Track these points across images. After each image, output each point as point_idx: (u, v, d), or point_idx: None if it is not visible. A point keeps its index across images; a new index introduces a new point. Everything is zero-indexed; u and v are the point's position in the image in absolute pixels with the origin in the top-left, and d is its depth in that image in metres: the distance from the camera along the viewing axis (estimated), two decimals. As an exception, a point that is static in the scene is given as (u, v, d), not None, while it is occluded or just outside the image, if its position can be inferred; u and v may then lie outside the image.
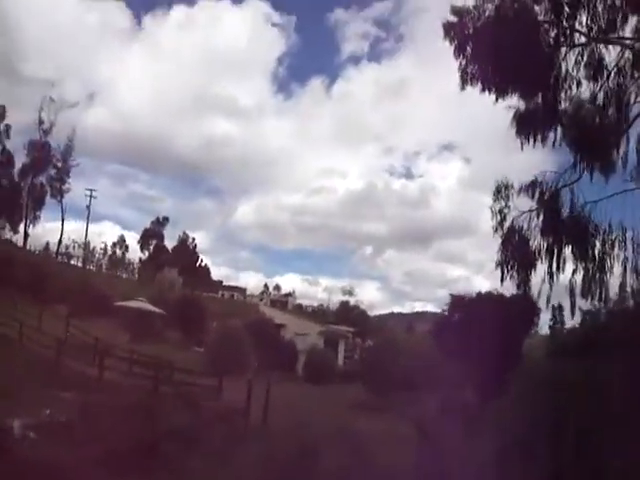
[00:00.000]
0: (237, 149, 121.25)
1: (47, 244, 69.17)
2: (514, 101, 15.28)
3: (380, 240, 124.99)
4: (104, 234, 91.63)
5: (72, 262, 63.37)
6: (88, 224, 72.11)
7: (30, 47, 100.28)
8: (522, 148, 15.46)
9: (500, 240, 15.92)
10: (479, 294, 19.29)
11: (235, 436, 12.20)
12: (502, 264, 15.82)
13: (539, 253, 15.27)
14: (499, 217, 15.94)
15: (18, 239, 66.71)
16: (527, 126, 15.43)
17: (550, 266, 15.02)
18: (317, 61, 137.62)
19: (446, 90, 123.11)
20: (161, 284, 45.19)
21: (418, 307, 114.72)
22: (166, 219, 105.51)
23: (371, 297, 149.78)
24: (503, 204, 15.90)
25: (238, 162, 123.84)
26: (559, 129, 15.34)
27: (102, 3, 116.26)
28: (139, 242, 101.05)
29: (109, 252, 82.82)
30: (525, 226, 15.69)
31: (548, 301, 15.65)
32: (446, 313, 20.89)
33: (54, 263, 52.51)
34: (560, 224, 14.95)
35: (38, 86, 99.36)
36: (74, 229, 78.44)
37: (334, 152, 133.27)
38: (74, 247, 66.16)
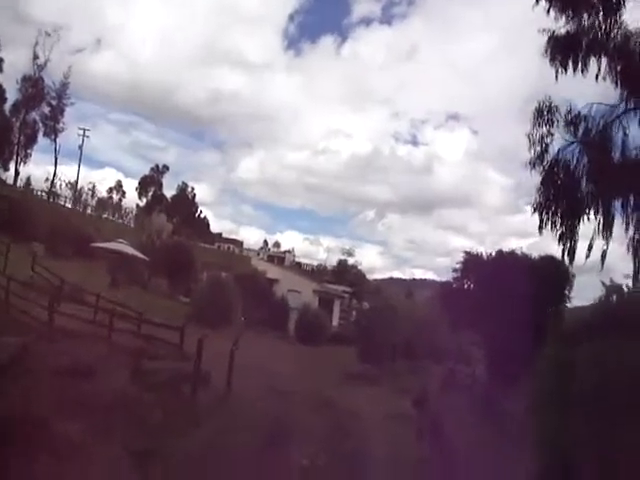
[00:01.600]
0: (244, 103, 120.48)
1: (28, 180, 65.61)
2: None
3: (383, 205, 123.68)
4: (105, 180, 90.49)
5: (60, 202, 60.45)
6: (80, 164, 69.85)
7: None
8: (557, 78, 12.51)
9: (540, 176, 13.12)
10: (500, 253, 16.49)
11: (171, 410, 9.46)
12: (541, 207, 12.90)
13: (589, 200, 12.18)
14: (539, 147, 13.01)
15: (8, 177, 63.85)
16: (565, 52, 12.39)
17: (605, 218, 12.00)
18: (328, 20, 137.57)
19: (456, 59, 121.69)
20: (148, 229, 42.52)
21: (418, 274, 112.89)
22: (166, 167, 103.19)
23: (371, 261, 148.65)
24: (545, 130, 12.88)
25: (244, 116, 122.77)
26: (604, 59, 12.36)
27: None
28: (137, 189, 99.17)
29: (104, 196, 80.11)
30: (573, 161, 12.64)
31: (603, 260, 12.42)
32: (457, 275, 18.12)
33: (37, 201, 49.64)
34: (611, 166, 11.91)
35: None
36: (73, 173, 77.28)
37: (341, 113, 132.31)
38: (60, 186, 63.36)
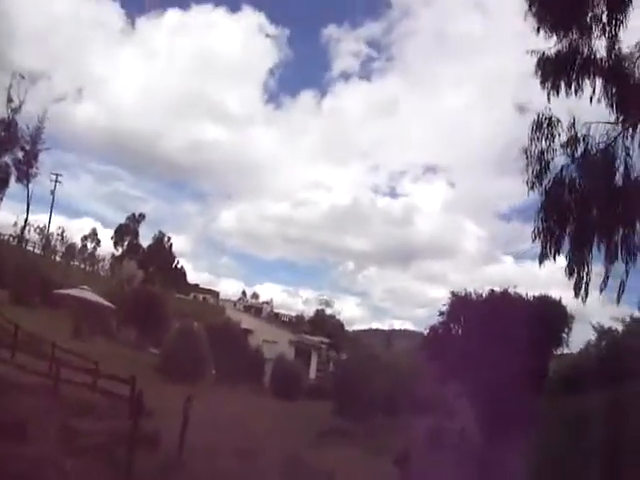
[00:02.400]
0: (224, 155, 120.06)
1: None
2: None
3: (362, 256, 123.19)
4: (83, 230, 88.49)
5: (29, 248, 58.36)
6: (52, 210, 68.07)
7: (20, 36, 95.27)
8: (549, 99, 11.56)
9: (541, 198, 11.59)
10: (492, 293, 15.23)
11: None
12: (543, 235, 11.27)
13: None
14: (539, 164, 11.45)
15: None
16: (557, 73, 11.52)
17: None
18: (308, 75, 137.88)
19: (434, 112, 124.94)
20: (118, 276, 40.84)
21: (397, 325, 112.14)
22: (142, 216, 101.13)
23: (351, 312, 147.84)
24: (545, 145, 11.38)
25: (224, 168, 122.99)
26: (598, 81, 11.48)
27: (97, 2, 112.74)
28: (112, 238, 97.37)
29: (77, 244, 77.65)
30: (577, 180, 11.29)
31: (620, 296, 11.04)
32: (442, 319, 16.80)
33: (3, 245, 47.76)
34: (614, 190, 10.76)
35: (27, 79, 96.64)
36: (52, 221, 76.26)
37: (320, 166, 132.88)
38: (29, 232, 61.30)
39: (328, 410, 23.14)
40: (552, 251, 11.12)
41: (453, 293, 16.59)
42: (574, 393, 11.25)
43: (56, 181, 68.64)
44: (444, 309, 16.71)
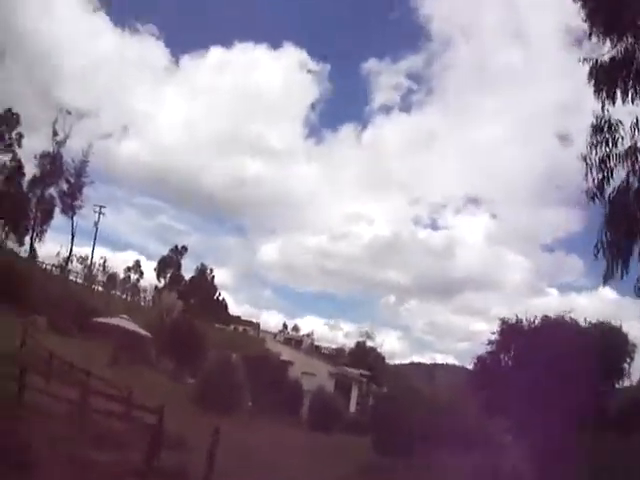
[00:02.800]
0: (265, 190, 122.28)
1: (33, 252, 64.15)
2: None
3: (403, 289, 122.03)
4: (127, 262, 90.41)
5: (71, 278, 59.20)
6: (95, 241, 69.31)
7: (68, 77, 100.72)
8: (602, 110, 10.63)
9: (604, 209, 10.53)
10: (546, 319, 14.15)
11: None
12: (609, 250, 10.10)
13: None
14: (600, 171, 10.34)
15: (21, 251, 63.09)
16: (612, 80, 10.57)
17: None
18: (349, 109, 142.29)
19: (474, 144, 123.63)
20: (158, 307, 40.81)
21: (439, 359, 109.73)
22: (185, 248, 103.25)
23: (392, 346, 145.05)
24: (606, 151, 10.33)
25: (266, 202, 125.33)
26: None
27: (141, 41, 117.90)
28: (155, 269, 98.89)
29: (120, 275, 78.82)
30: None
31: None
32: (491, 348, 15.74)
33: (45, 274, 48.34)
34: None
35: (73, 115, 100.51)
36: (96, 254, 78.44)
37: (361, 199, 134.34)
38: (72, 262, 62.25)
39: (367, 445, 22.06)
40: (618, 268, 9.97)
41: (503, 321, 15.54)
42: (636, 431, 10.20)
43: (100, 212, 70.00)
44: (493, 338, 15.69)
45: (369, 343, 60.70)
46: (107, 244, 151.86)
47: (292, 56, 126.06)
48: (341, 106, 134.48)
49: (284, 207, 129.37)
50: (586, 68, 10.64)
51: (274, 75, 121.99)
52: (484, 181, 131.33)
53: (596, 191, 10.28)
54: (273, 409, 30.97)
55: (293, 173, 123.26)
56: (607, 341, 12.01)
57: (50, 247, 66.58)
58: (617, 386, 14.00)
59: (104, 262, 68.11)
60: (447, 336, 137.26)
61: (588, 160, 10.38)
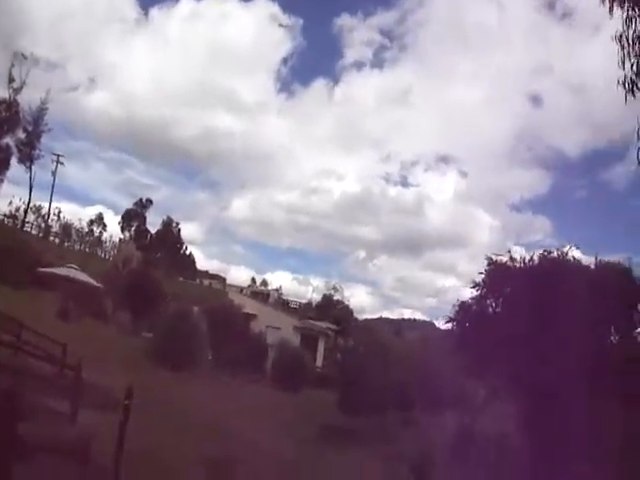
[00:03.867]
0: (236, 144, 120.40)
1: None
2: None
3: (373, 245, 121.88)
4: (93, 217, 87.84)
5: (25, 229, 55.97)
6: (53, 191, 66.03)
7: (34, 28, 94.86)
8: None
9: None
10: (545, 256, 12.36)
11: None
12: None
13: None
14: None
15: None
16: None
17: None
18: (321, 64, 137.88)
19: (446, 102, 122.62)
20: (115, 257, 38.57)
21: (407, 314, 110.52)
22: (150, 201, 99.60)
23: (361, 301, 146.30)
24: None
25: (236, 157, 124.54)
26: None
27: None
28: (119, 223, 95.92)
29: (83, 228, 75.11)
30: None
31: None
32: (477, 293, 13.86)
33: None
34: None
35: (38, 66, 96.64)
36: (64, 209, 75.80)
37: (332, 155, 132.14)
38: (24, 211, 58.84)
39: (333, 403, 20.62)
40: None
41: (491, 259, 13.75)
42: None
43: (57, 162, 66.98)
44: (479, 279, 13.80)
45: (336, 296, 59.40)
46: (74, 199, 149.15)
47: (263, 9, 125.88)
48: (313, 61, 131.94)
49: (255, 161, 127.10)
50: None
51: (245, 28, 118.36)
52: (455, 139, 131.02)
53: (636, 79, 8.27)
54: (234, 364, 29.37)
55: (264, 127, 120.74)
56: (616, 281, 10.34)
57: (7, 199, 62.50)
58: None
59: (58, 212, 64.82)
60: (415, 292, 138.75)
61: (624, 40, 8.24)
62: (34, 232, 56.14)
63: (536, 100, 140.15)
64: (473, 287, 14.11)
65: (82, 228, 66.05)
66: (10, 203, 59.39)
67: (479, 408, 14.76)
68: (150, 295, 33.60)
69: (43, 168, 67.99)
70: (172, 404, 15.77)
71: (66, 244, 61.77)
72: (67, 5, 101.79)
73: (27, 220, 59.34)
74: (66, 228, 62.30)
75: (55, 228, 62.00)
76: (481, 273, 14.02)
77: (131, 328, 33.11)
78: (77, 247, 62.15)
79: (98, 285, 28.47)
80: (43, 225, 58.67)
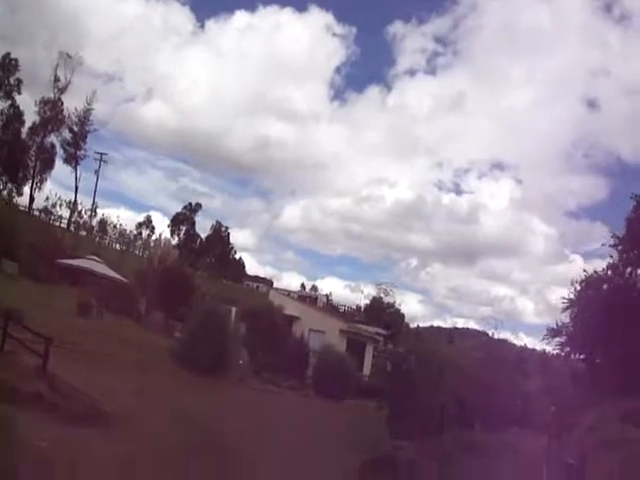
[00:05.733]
0: (289, 152, 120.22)
1: (10, 194, 58.89)
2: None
3: (425, 253, 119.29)
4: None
5: (62, 225, 54.64)
6: (96, 190, 65.28)
7: (92, 40, 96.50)
8: None
9: None
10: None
11: None
12: None
13: None
14: None
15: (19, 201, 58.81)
16: None
17: None
18: (374, 71, 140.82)
19: (500, 108, 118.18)
20: (150, 255, 36.49)
21: (460, 323, 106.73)
22: (199, 205, 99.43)
23: (413, 309, 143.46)
24: None
25: (289, 165, 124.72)
26: None
27: (167, 6, 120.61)
28: (169, 226, 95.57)
29: (130, 231, 73.62)
30: None
31: None
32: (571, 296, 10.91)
33: (30, 221, 43.79)
34: None
35: (97, 78, 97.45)
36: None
37: (385, 162, 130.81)
38: (60, 206, 57.60)
39: (382, 418, 17.44)
40: None
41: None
42: None
43: (101, 160, 66.55)
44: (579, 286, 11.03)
45: (387, 300, 55.80)
46: (130, 205, 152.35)
47: (318, 19, 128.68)
48: (366, 69, 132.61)
49: (308, 169, 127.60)
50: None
51: (299, 38, 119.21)
52: (510, 146, 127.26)
53: None
54: (272, 369, 26.57)
55: (317, 135, 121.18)
56: None
57: (53, 197, 61.79)
58: None
59: (95, 208, 63.46)
60: (469, 301, 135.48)
61: None
62: (72, 229, 54.78)
63: (592, 104, 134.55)
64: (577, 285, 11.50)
65: (130, 231, 64.37)
66: (47, 199, 58.72)
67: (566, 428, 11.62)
68: (183, 294, 31.19)
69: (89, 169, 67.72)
70: (183, 412, 13.10)
71: (106, 242, 60.31)
72: (125, 20, 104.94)
73: (73, 220, 58.29)
74: (102, 224, 60.90)
75: (91, 224, 60.76)
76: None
77: (163, 328, 30.73)
78: (112, 244, 60.38)
79: (120, 278, 26.04)
80: (81, 222, 57.39)
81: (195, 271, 59.56)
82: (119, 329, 24.35)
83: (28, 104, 63.19)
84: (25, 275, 29.34)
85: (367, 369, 35.78)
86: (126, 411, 11.43)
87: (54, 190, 61.29)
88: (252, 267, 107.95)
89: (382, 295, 56.12)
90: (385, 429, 16.07)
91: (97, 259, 25.89)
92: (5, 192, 58.81)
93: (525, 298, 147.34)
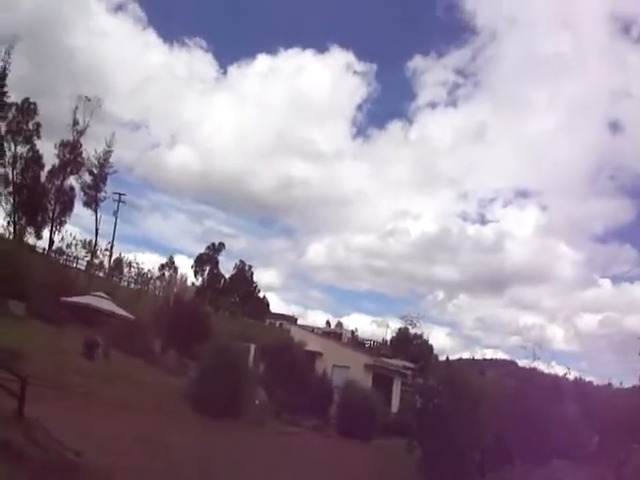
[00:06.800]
0: (313, 191, 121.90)
1: (22, 233, 58.46)
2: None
3: (452, 285, 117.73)
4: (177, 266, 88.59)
5: (76, 266, 53.54)
6: (115, 231, 64.73)
7: (118, 90, 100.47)
8: None
9: None
10: None
11: None
12: None
13: None
14: None
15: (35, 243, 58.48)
16: None
17: None
18: (395, 106, 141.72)
19: (522, 136, 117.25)
20: (166, 292, 35.18)
21: (489, 354, 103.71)
22: (222, 245, 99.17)
23: (441, 342, 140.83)
24: None
25: (313, 203, 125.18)
26: None
27: (190, 54, 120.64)
28: (192, 267, 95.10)
29: (152, 272, 72.97)
30: None
31: None
32: None
33: (43, 262, 42.82)
34: None
35: (124, 126, 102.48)
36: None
37: (409, 195, 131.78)
38: (75, 247, 56.71)
39: (412, 460, 15.48)
40: None
41: None
42: None
43: (119, 201, 66.24)
44: None
45: (413, 331, 53.63)
46: (156, 249, 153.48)
47: (339, 59, 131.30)
48: (388, 104, 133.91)
49: (331, 206, 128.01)
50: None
51: (321, 78, 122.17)
52: (533, 173, 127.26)
53: None
54: (292, 409, 24.70)
55: (340, 173, 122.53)
56: None
57: (68, 238, 61.35)
58: None
59: (111, 247, 62.72)
60: (497, 331, 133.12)
61: None
62: (84, 269, 53.95)
63: (615, 126, 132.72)
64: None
65: (148, 271, 63.19)
66: (62, 239, 58.32)
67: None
68: (198, 331, 29.55)
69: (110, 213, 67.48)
70: (179, 461, 11.46)
71: (124, 283, 59.17)
72: (150, 69, 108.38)
73: (75, 255, 57.40)
74: (118, 263, 59.91)
75: (105, 264, 60.04)
76: None
77: (176, 368, 29.03)
78: (127, 284, 59.13)
79: (128, 316, 24.56)
80: (97, 263, 56.58)
81: (216, 310, 58.55)
82: (126, 370, 22.82)
83: (48, 149, 63.29)
84: (33, 316, 28.12)
85: (395, 405, 33.69)
86: (108, 463, 9.76)
87: (75, 233, 60.44)
88: (277, 306, 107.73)
89: (409, 326, 54.00)
90: (418, 476, 14.10)
91: (103, 295, 24.55)
92: (16, 233, 58.45)
93: (554, 325, 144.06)
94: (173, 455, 12.92)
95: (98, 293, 24.87)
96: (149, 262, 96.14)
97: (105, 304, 23.64)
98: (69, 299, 25.24)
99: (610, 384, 23.43)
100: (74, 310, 25.11)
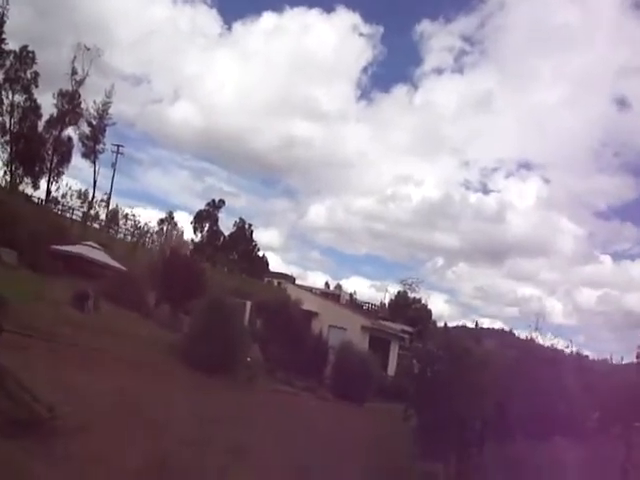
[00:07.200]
0: (316, 151, 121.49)
1: (16, 183, 57.31)
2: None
3: (451, 252, 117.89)
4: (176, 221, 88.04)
5: (72, 217, 52.70)
6: (113, 182, 64.24)
7: (120, 43, 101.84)
8: None
9: None
10: None
11: None
12: None
13: None
14: None
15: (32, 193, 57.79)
16: None
17: None
18: (401, 71, 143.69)
19: (528, 107, 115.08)
20: (162, 245, 34.43)
21: (486, 323, 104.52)
22: (222, 202, 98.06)
23: (439, 309, 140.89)
24: None
25: (315, 164, 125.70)
26: None
27: (194, 8, 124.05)
28: (192, 223, 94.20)
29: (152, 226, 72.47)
30: None
31: None
32: None
33: (37, 212, 42.00)
34: None
35: (125, 80, 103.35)
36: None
37: (411, 161, 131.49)
38: (70, 196, 56.18)
39: (409, 427, 14.87)
40: None
41: None
42: None
43: (117, 152, 65.07)
44: None
45: (412, 295, 53.14)
46: (156, 204, 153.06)
47: (345, 19, 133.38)
48: (393, 68, 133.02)
49: (333, 169, 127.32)
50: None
51: (326, 39, 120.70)
52: (537, 145, 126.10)
53: None
54: (286, 367, 24.15)
55: (343, 134, 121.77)
56: None
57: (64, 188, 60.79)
58: None
59: (108, 199, 61.99)
60: (495, 301, 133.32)
61: None
62: (81, 220, 53.11)
63: (622, 103, 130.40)
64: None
65: (145, 224, 62.43)
66: (57, 189, 57.79)
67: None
68: (192, 285, 28.81)
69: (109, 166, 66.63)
70: (157, 420, 10.83)
71: (121, 235, 58.31)
72: (153, 22, 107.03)
73: (83, 210, 56.73)
74: (114, 214, 59.15)
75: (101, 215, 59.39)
76: None
77: (170, 323, 28.40)
78: (129, 239, 58.28)
79: (118, 266, 23.76)
80: (93, 214, 55.86)
81: (214, 266, 58.01)
82: (118, 322, 22.14)
83: (46, 99, 62.29)
84: (25, 264, 27.42)
85: (392, 369, 33.30)
86: (83, 420, 9.07)
87: (72, 185, 59.89)
88: (277, 266, 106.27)
89: (407, 290, 53.51)
90: (412, 439, 13.48)
91: (95, 245, 23.75)
92: (13, 182, 57.59)
93: (552, 298, 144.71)
94: (158, 412, 12.35)
95: (89, 242, 24.03)
96: (148, 217, 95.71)
97: (97, 254, 22.87)
98: (60, 247, 24.41)
99: (606, 359, 23.06)
100: (66, 260, 24.27)
